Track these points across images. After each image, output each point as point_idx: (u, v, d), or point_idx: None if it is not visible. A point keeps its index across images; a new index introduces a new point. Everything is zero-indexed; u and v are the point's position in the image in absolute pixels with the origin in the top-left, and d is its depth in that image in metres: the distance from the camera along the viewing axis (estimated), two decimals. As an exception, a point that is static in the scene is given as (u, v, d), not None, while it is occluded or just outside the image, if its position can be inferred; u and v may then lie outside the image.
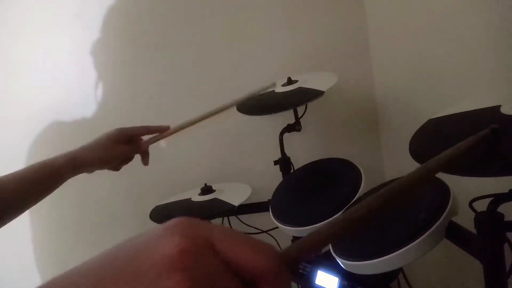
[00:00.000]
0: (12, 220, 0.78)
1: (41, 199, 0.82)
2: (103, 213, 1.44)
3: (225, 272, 0.27)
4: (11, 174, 0.78)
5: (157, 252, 0.26)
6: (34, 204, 0.81)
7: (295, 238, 1.22)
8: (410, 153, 0.68)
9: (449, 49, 1.13)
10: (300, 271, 1.09)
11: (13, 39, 1.33)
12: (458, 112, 0.74)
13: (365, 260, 0.76)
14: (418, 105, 1.27)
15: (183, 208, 1.25)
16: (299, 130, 1.30)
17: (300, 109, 1.29)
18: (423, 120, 0.79)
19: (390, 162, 1.56)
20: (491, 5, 0.99)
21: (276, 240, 1.34)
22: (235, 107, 1.30)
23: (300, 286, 1.19)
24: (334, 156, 1.20)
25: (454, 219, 0.76)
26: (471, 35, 1.05)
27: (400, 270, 0.97)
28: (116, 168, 0.96)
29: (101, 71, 1.39)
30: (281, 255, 0.30)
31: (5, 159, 1.32)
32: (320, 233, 0.33)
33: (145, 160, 0.98)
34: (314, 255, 1.07)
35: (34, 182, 0.79)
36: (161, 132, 0.98)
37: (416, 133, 0.76)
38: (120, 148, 0.91)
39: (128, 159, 0.97)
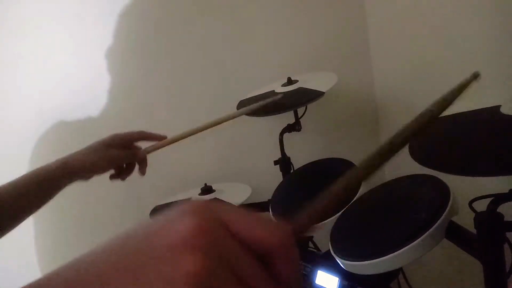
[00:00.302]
0: (12, 229, 0.76)
1: (40, 207, 0.81)
2: (103, 213, 1.44)
3: (240, 249, 0.27)
4: (6, 183, 0.76)
5: (171, 233, 0.26)
6: (33, 212, 0.80)
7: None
8: (409, 153, 0.68)
9: (449, 49, 1.13)
10: (300, 271, 1.09)
11: (13, 39, 1.32)
12: (458, 112, 0.74)
13: (365, 260, 0.76)
14: (418, 105, 1.27)
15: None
16: (299, 130, 1.30)
17: (300, 109, 1.29)
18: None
19: (390, 162, 1.55)
20: (491, 5, 0.99)
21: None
22: (236, 108, 1.31)
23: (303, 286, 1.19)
24: (334, 156, 1.20)
25: (454, 219, 0.76)
26: (471, 35, 1.05)
27: (400, 270, 0.97)
28: (117, 174, 0.94)
29: (102, 71, 1.39)
30: (292, 230, 0.31)
31: (8, 160, 1.32)
32: (321, 203, 0.35)
33: (142, 169, 0.95)
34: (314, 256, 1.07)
35: (30, 189, 0.77)
36: (159, 140, 0.96)
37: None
38: (113, 153, 0.88)
39: (129, 166, 0.95)
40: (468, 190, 0.77)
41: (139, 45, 1.41)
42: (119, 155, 0.90)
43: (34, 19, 1.32)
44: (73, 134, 1.38)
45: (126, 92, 1.43)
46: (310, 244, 1.27)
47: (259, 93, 1.32)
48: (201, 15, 1.42)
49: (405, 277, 0.99)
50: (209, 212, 0.28)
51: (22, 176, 0.79)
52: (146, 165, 0.95)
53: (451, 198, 0.76)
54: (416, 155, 0.67)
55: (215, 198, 1.26)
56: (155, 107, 1.44)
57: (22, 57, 1.34)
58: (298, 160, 1.30)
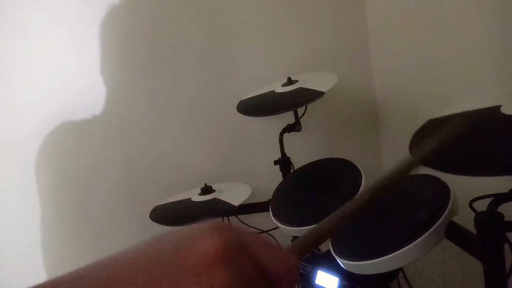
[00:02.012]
0: None
1: None
2: (104, 213, 1.44)
3: (256, 272, 0.31)
4: None
5: (201, 247, 0.29)
6: None
7: (294, 238, 1.22)
8: (410, 153, 0.68)
9: (449, 49, 1.13)
10: (300, 271, 1.09)
11: (11, 40, 1.31)
12: (458, 112, 0.74)
13: (365, 260, 0.76)
14: (418, 105, 1.27)
15: (183, 208, 1.25)
16: (299, 130, 1.30)
17: (300, 109, 1.29)
18: (423, 120, 0.79)
19: (390, 162, 1.56)
20: (491, 5, 0.99)
21: (276, 240, 1.34)
22: (236, 108, 1.31)
23: (300, 286, 1.19)
24: (334, 156, 1.20)
25: (454, 219, 0.76)
26: (471, 35, 1.05)
27: (400, 270, 0.97)
28: None
29: (102, 71, 1.38)
30: (297, 257, 0.34)
31: (10, 161, 1.33)
32: (321, 228, 0.37)
33: None
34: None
35: None
36: None
37: (416, 133, 0.76)
38: None
39: None
40: (468, 190, 0.77)
41: (140, 45, 1.40)
42: None
43: (33, 20, 1.31)
44: (71, 133, 1.37)
45: (127, 93, 1.42)
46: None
47: (260, 93, 1.32)
48: (201, 16, 1.41)
49: (405, 277, 0.99)
50: (234, 234, 0.31)
51: None
52: None
53: (451, 198, 0.76)
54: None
55: (215, 198, 1.26)
56: (156, 107, 1.44)
57: (21, 58, 1.32)
58: (298, 160, 1.30)
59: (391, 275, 0.94)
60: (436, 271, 1.35)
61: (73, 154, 1.36)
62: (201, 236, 0.30)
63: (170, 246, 0.31)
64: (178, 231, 0.32)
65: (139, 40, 1.40)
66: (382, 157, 1.58)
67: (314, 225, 0.37)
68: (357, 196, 0.39)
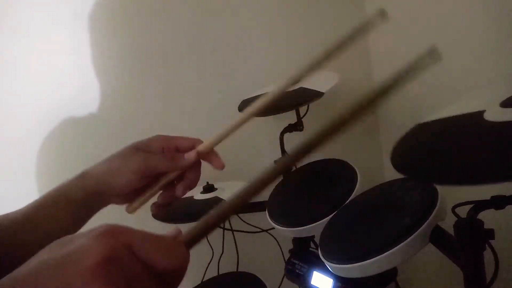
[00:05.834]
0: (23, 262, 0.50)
1: (61, 233, 0.51)
2: (104, 213, 1.46)
3: (143, 271, 0.32)
4: (20, 210, 0.60)
5: (80, 263, 0.30)
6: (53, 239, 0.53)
7: (294, 238, 1.23)
8: (390, 160, 0.67)
9: (450, 49, 1.11)
10: (297, 271, 1.10)
11: (10, 41, 1.32)
12: (444, 117, 0.73)
13: (347, 264, 0.76)
14: (418, 105, 1.25)
15: (185, 206, 1.28)
16: (301, 130, 1.30)
17: (303, 109, 1.29)
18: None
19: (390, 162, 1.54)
20: (492, 5, 0.97)
21: (276, 240, 1.35)
22: (237, 108, 1.31)
23: (300, 286, 1.20)
24: (334, 157, 1.19)
25: (443, 224, 0.75)
26: (472, 35, 1.04)
27: (396, 272, 0.97)
28: (162, 197, 0.68)
29: (101, 71, 1.40)
30: (186, 248, 0.36)
31: (8, 160, 1.36)
32: (212, 217, 0.40)
33: (190, 181, 0.67)
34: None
35: (39, 212, 0.60)
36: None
37: (401, 138, 0.74)
38: (143, 156, 0.63)
39: (177, 181, 0.67)
40: (456, 195, 0.76)
41: (140, 45, 1.41)
42: (154, 161, 0.64)
43: (33, 19, 1.32)
44: (70, 133, 1.40)
45: (127, 94, 1.43)
46: (312, 245, 1.27)
47: (261, 93, 1.32)
48: (201, 16, 1.42)
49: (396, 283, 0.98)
50: (117, 238, 0.32)
51: (41, 199, 0.62)
52: (197, 177, 0.68)
53: (438, 203, 0.75)
54: (395, 163, 0.66)
55: (216, 197, 1.27)
56: (156, 108, 1.46)
57: (19, 59, 1.34)
58: (299, 160, 1.30)
59: (387, 278, 0.93)
60: (436, 271, 1.34)
61: (73, 154, 1.38)
62: (82, 248, 0.31)
63: (54, 264, 0.30)
64: (64, 243, 0.32)
65: (139, 40, 1.42)
66: (382, 157, 1.56)
67: (205, 215, 0.39)
68: (237, 193, 0.41)
